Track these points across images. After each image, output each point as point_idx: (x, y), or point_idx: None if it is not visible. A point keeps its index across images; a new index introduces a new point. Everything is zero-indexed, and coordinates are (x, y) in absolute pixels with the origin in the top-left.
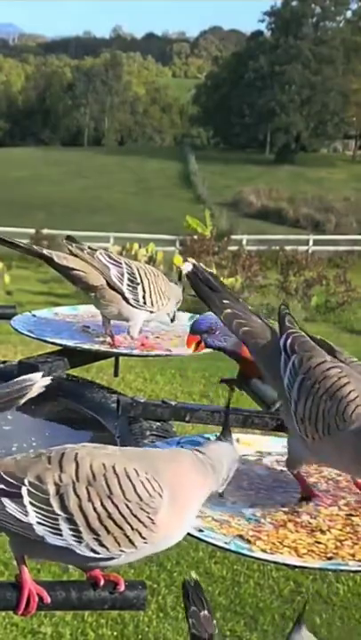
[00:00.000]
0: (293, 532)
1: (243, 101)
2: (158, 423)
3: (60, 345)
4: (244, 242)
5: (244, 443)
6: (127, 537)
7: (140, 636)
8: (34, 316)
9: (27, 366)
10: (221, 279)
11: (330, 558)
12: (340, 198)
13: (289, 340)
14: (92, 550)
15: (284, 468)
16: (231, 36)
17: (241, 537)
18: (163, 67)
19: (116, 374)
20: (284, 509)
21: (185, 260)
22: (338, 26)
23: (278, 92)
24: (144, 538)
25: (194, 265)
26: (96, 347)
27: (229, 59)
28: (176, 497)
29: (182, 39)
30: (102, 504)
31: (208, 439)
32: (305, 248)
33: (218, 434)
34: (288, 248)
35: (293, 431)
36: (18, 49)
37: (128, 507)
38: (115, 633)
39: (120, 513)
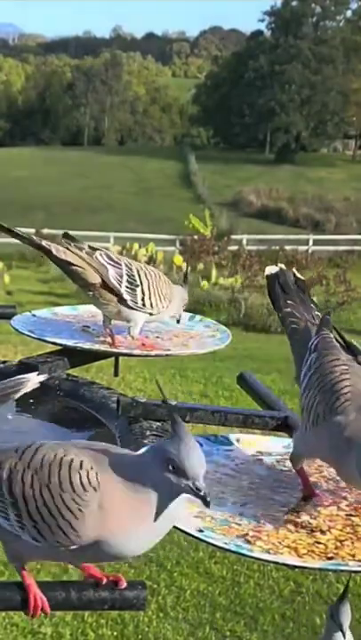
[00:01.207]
0: (293, 532)
1: (243, 101)
2: (158, 423)
3: (60, 345)
4: (244, 242)
5: (244, 443)
6: (60, 527)
7: (140, 636)
8: (34, 315)
9: (27, 366)
10: (221, 279)
11: (330, 558)
12: (340, 198)
13: (316, 341)
14: (33, 538)
15: (285, 468)
16: (231, 36)
17: (241, 537)
18: (163, 66)
19: (116, 374)
20: (283, 509)
21: (274, 265)
22: (338, 25)
23: (278, 92)
24: (75, 530)
25: (281, 269)
26: (96, 347)
27: (229, 58)
28: (120, 497)
29: (182, 39)
30: (40, 491)
31: (208, 439)
32: (305, 248)
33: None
34: (288, 248)
35: (300, 426)
36: (18, 49)
37: (61, 496)
38: (115, 633)
39: (54, 502)
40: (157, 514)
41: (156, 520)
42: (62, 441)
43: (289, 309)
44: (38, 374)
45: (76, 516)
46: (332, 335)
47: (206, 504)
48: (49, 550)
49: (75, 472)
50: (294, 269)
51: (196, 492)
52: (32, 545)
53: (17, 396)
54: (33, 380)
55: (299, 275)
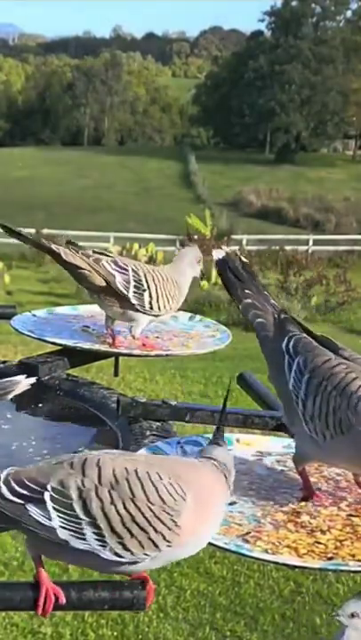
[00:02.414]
0: (293, 532)
1: (243, 101)
2: (158, 423)
3: (60, 345)
4: (244, 242)
5: (244, 443)
6: (151, 540)
7: (140, 636)
8: (34, 315)
9: (27, 366)
10: None
11: (330, 558)
12: (340, 198)
13: (291, 343)
14: (116, 554)
15: (285, 468)
16: (231, 36)
17: (241, 537)
18: (163, 66)
19: (116, 374)
20: (284, 509)
21: (218, 247)
22: (338, 26)
23: (278, 92)
24: (168, 541)
25: (226, 253)
26: (96, 347)
27: (229, 58)
28: (200, 501)
29: (182, 39)
30: (125, 507)
31: (208, 439)
32: (305, 248)
33: (211, 437)
34: (288, 248)
35: (301, 430)
36: (18, 49)
37: (151, 510)
38: (115, 633)
39: (143, 516)
40: (221, 514)
41: (219, 520)
42: (110, 451)
43: (250, 300)
44: (27, 377)
45: (168, 527)
46: (305, 334)
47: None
48: (109, 564)
49: (159, 484)
50: (238, 252)
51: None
52: (90, 557)
53: (8, 397)
54: (23, 383)
55: (244, 259)
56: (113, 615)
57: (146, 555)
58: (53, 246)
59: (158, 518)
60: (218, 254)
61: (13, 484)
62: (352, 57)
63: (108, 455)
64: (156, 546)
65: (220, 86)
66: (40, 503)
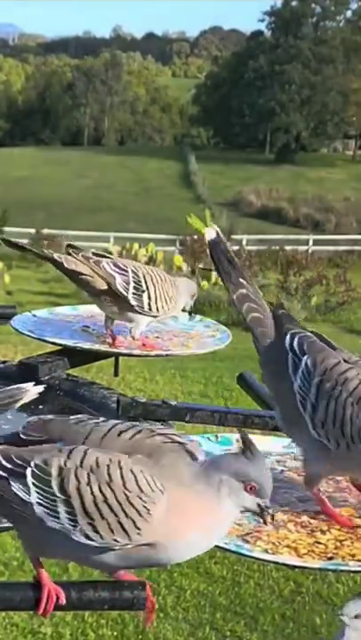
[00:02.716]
0: (293, 532)
1: (243, 101)
2: (158, 423)
3: (60, 345)
4: (244, 242)
5: None
6: (120, 524)
7: (140, 636)
8: (34, 315)
9: (27, 366)
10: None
11: (330, 558)
12: (340, 198)
13: (296, 340)
14: (86, 536)
15: (285, 468)
16: (231, 36)
17: (241, 537)
18: (163, 66)
19: (116, 374)
20: (283, 509)
21: (209, 226)
22: (338, 26)
23: (278, 92)
24: (138, 528)
25: (217, 233)
26: (96, 347)
27: (229, 58)
28: (180, 505)
29: (182, 39)
30: (100, 489)
31: (208, 439)
32: (305, 248)
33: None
34: (288, 248)
35: (306, 433)
36: (18, 49)
37: (125, 495)
38: (115, 633)
39: (116, 499)
40: (218, 527)
41: (214, 533)
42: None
43: (244, 291)
44: (35, 384)
45: (140, 514)
46: (308, 332)
47: (266, 523)
48: (90, 552)
49: (139, 473)
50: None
51: (264, 510)
52: (71, 545)
53: (16, 406)
54: (31, 391)
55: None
56: (113, 615)
57: (115, 540)
58: (55, 256)
59: (131, 503)
60: (210, 234)
61: (1, 459)
62: (352, 57)
63: (108, 450)
64: (125, 532)
65: (220, 86)
66: (21, 478)
